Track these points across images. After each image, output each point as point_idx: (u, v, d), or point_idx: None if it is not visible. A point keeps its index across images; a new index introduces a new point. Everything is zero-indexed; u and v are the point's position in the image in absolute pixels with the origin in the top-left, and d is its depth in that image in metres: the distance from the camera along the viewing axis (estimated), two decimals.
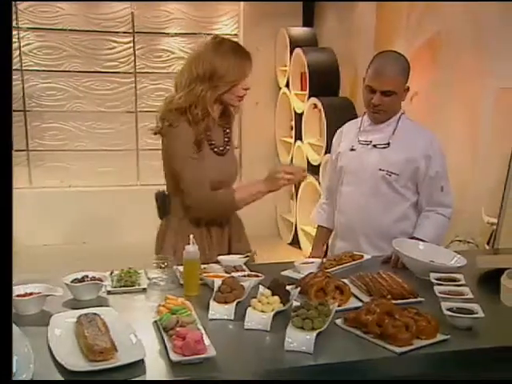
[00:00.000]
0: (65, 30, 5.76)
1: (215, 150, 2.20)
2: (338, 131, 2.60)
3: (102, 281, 1.75)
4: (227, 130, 2.29)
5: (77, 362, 1.29)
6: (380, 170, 2.34)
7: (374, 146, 2.38)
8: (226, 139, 2.28)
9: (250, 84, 2.18)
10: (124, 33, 5.94)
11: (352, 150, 2.43)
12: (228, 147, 2.27)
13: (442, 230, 2.39)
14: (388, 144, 2.36)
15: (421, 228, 2.35)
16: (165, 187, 2.30)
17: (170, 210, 2.28)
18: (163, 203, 2.29)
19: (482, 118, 3.43)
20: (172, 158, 2.16)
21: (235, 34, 6.26)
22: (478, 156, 3.45)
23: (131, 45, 5.97)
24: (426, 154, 2.32)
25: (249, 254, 2.09)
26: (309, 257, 2.57)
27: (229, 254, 2.18)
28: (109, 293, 1.78)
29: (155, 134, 2.20)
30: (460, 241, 3.25)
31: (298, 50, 5.46)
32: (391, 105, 2.32)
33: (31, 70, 5.73)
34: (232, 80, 2.12)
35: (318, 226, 2.69)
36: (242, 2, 6.12)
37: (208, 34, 6.17)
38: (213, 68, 2.10)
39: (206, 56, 2.13)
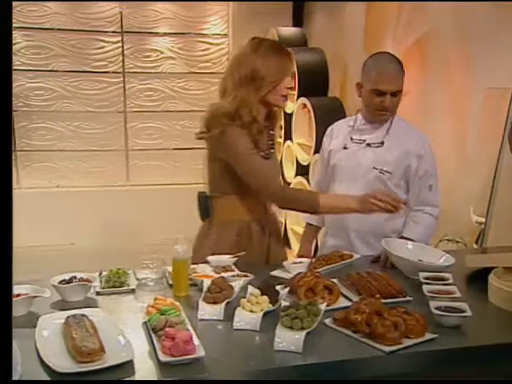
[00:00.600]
0: (52, 29, 5.73)
1: (261, 154, 2.17)
2: (328, 129, 2.61)
3: (90, 282, 1.74)
4: (271, 132, 2.26)
5: (64, 364, 1.28)
6: (374, 168, 2.37)
7: (368, 144, 2.40)
8: (270, 142, 2.25)
9: (292, 83, 2.16)
10: (113, 32, 5.92)
11: (345, 148, 2.44)
12: (272, 150, 2.25)
13: (431, 229, 2.41)
14: (382, 143, 2.38)
15: (409, 228, 2.37)
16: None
17: (211, 211, 2.26)
18: (205, 205, 2.26)
19: (470, 117, 3.45)
20: (236, 161, 2.11)
21: (225, 34, 6.26)
22: (467, 155, 3.47)
23: (120, 44, 5.95)
24: (417, 154, 2.36)
25: (239, 254, 2.08)
26: (297, 254, 2.58)
27: (268, 253, 2.19)
28: (97, 294, 1.77)
29: (199, 139, 2.18)
30: (448, 240, 3.27)
31: None
32: (398, 104, 2.37)
33: (19, 70, 5.69)
34: (274, 80, 2.10)
35: (307, 223, 2.69)
36: (231, 2, 6.12)
37: (197, 34, 6.17)
38: (254, 69, 2.08)
39: (246, 58, 2.11)
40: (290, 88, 2.16)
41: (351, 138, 2.44)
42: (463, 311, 1.52)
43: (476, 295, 1.77)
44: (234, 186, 2.17)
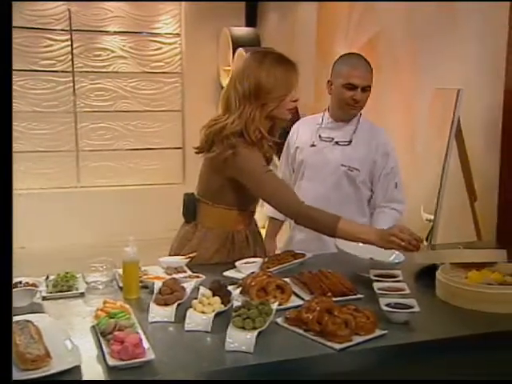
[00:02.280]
0: None
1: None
2: (294, 125, 2.65)
3: (36, 286, 1.69)
4: (271, 144, 2.17)
5: None
6: (342, 165, 2.44)
7: (336, 142, 2.47)
8: (269, 155, 2.19)
9: (298, 95, 2.08)
10: (61, 30, 5.78)
11: (313, 145, 2.49)
12: (271, 163, 2.20)
13: (396, 222, 2.47)
14: (350, 141, 2.46)
15: (378, 223, 2.43)
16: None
17: (198, 216, 2.19)
18: (193, 208, 2.19)
19: (419, 116, 3.52)
20: (252, 181, 2.04)
21: (177, 34, 6.20)
22: (417, 155, 3.54)
23: (69, 43, 5.82)
24: (384, 152, 2.47)
25: (190, 255, 2.06)
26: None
27: (254, 256, 2.12)
28: (44, 298, 1.72)
29: (198, 153, 2.15)
30: None
31: (240, 50, 5.46)
32: (366, 100, 2.45)
33: None
34: (280, 95, 2.03)
35: (270, 218, 2.70)
36: (183, 2, 6.07)
37: (149, 33, 6.10)
38: (259, 84, 2.00)
39: (250, 72, 2.03)
40: (295, 101, 2.09)
41: (319, 136, 2.49)
42: (412, 307, 1.55)
43: (424, 291, 1.81)
44: (231, 199, 2.13)
